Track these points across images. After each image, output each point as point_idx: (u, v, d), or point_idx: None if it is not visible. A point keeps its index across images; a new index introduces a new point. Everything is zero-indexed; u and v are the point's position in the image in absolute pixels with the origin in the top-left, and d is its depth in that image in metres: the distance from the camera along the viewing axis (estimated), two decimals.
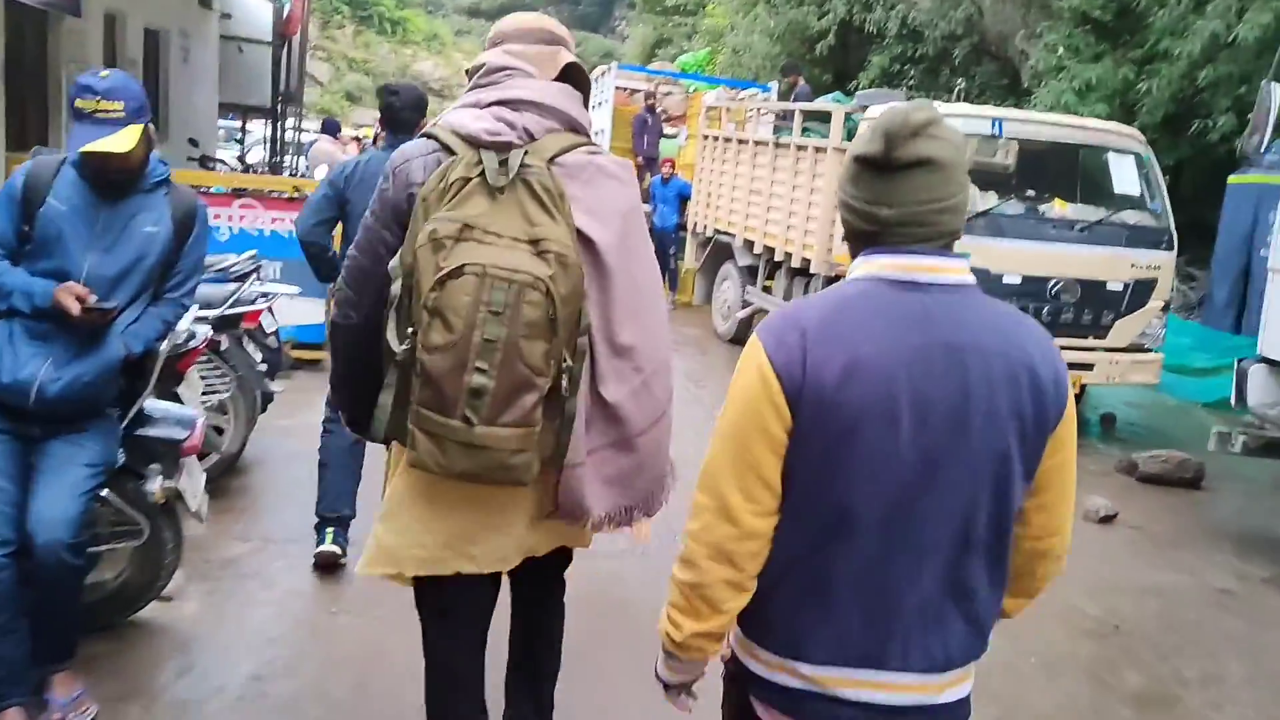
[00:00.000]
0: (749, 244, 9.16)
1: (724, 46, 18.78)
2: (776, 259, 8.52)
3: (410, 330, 1.74)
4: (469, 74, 1.99)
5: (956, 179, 1.37)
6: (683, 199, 10.85)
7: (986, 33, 14.41)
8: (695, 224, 10.39)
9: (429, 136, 1.88)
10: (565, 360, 1.78)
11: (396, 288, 1.77)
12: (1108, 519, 5.27)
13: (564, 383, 1.78)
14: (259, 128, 14.95)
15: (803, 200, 8.04)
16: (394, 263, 1.79)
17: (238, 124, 14.59)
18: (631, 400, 1.91)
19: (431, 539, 1.91)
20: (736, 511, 1.37)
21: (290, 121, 12.95)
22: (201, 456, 3.98)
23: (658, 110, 11.86)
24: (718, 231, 9.83)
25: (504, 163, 1.79)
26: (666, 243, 11.02)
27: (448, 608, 2.03)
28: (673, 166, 11.04)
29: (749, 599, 1.42)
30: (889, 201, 1.36)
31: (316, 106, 37.70)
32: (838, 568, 1.37)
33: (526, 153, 1.81)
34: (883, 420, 1.31)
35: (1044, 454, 1.38)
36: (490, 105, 1.86)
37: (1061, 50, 11.97)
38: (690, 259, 10.60)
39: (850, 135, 7.68)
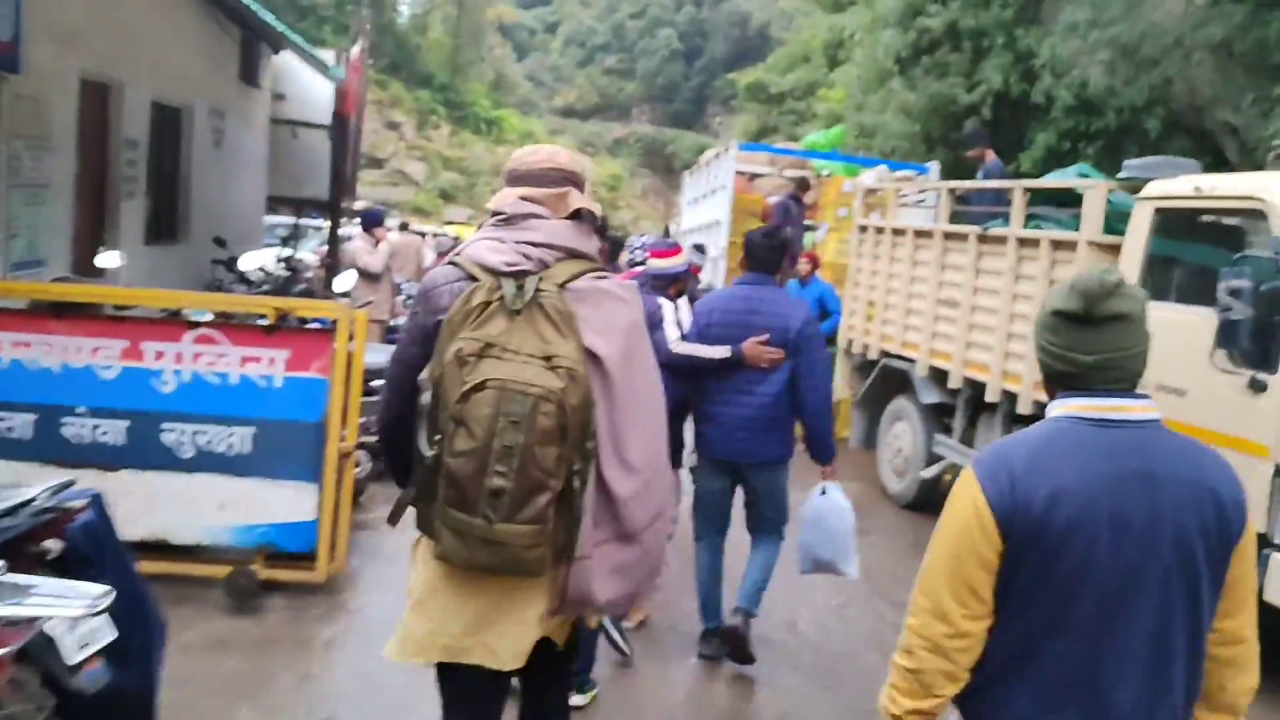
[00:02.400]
0: (938, 375, 6.55)
1: (847, 128, 16.50)
2: (988, 398, 5.89)
3: (438, 437, 1.91)
4: (490, 213, 2.17)
5: (1142, 330, 1.60)
6: (823, 309, 8.31)
7: (1175, 103, 11.74)
8: (850, 341, 7.83)
9: (454, 265, 2.09)
10: (574, 463, 1.93)
11: (427, 398, 1.95)
12: None
13: (575, 484, 1.94)
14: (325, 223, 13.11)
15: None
16: (424, 375, 2.00)
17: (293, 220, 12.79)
18: (634, 499, 2.04)
19: (457, 628, 2.03)
20: (950, 614, 1.58)
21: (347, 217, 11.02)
22: None
23: (804, 199, 9.38)
24: (886, 354, 7.24)
25: (520, 287, 1.98)
26: None
27: (465, 696, 2.15)
28: (815, 264, 8.54)
29: (961, 686, 1.62)
30: (1087, 350, 1.58)
31: (410, 205, 37.33)
32: (1053, 668, 1.55)
33: (541, 279, 2.00)
34: (1085, 539, 1.52)
35: (1229, 566, 1.57)
36: (510, 242, 2.06)
37: None
38: (842, 385, 7.97)
39: (1113, 226, 5.10)
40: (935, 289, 6.54)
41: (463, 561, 1.93)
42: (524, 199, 2.12)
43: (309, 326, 4.29)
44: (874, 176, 8.39)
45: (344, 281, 7.17)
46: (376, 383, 6.15)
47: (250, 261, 6.73)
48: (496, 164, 42.70)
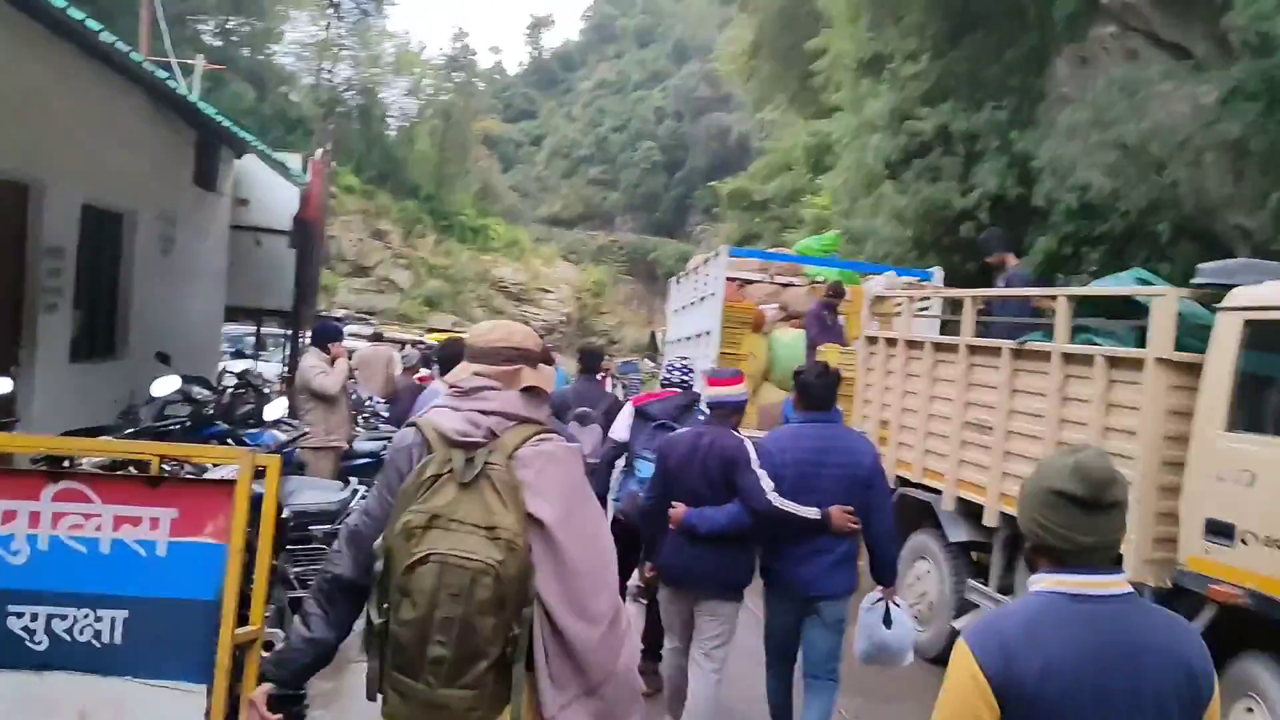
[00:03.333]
0: (968, 508, 5.69)
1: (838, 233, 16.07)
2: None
3: (385, 606, 2.03)
4: (450, 385, 2.32)
5: (1125, 513, 1.75)
6: None
7: (1183, 205, 11.27)
8: None
9: (416, 427, 2.22)
10: (512, 629, 2.00)
11: (379, 567, 2.04)
12: None
13: (510, 650, 2.01)
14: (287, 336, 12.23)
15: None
16: (377, 545, 2.08)
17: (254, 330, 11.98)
18: (594, 651, 2.09)
19: None
20: None
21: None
22: None
23: (838, 307, 8.52)
24: (904, 482, 6.39)
25: (470, 460, 2.09)
26: None
27: None
28: None
29: None
30: (1088, 533, 1.69)
31: (395, 312, 36.93)
32: None
33: (491, 451, 2.12)
34: (1074, 710, 1.61)
35: None
36: (465, 410, 2.20)
37: None
38: None
39: (1189, 342, 4.34)
40: (961, 410, 5.75)
41: None
42: (477, 374, 2.26)
43: (206, 477, 3.40)
44: (883, 283, 7.70)
45: (275, 409, 6.28)
46: (318, 528, 5.25)
47: (162, 388, 5.85)
48: (481, 271, 42.68)
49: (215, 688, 3.14)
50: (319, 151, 9.66)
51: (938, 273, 9.53)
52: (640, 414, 5.05)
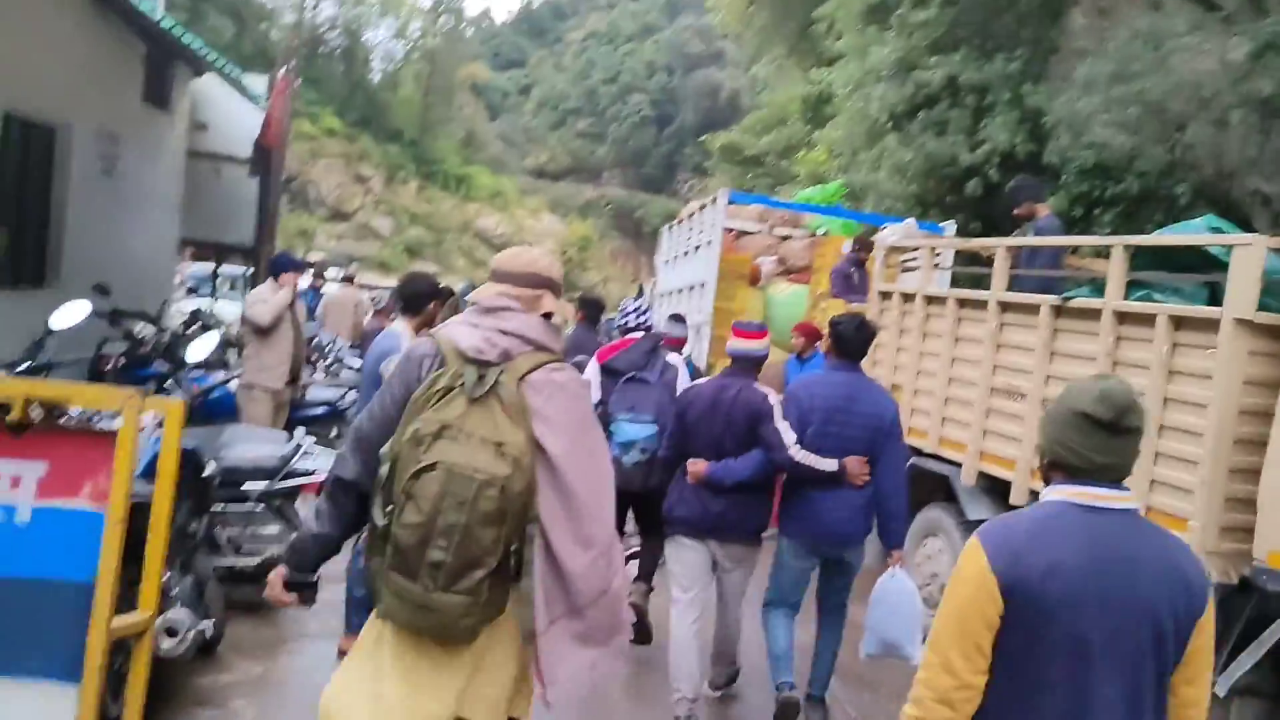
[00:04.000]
0: (992, 484, 5.10)
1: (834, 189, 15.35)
2: None
3: (389, 508, 2.08)
4: (470, 302, 2.36)
5: (1141, 440, 1.82)
6: None
7: (1202, 167, 10.64)
8: None
9: (433, 339, 2.28)
10: (512, 543, 2.09)
11: (384, 471, 2.11)
12: None
13: (512, 562, 2.10)
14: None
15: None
16: (384, 450, 2.13)
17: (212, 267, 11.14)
18: (585, 575, 2.18)
19: (388, 687, 2.15)
20: (958, 669, 1.76)
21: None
22: None
23: (865, 263, 7.70)
24: (916, 453, 5.77)
25: (482, 378, 2.15)
26: None
27: None
28: (815, 337, 7.09)
29: None
30: (1106, 453, 1.78)
31: (376, 259, 36.02)
32: (1043, 717, 1.74)
33: (503, 371, 2.18)
34: (1074, 609, 1.71)
35: (1191, 637, 1.77)
36: (484, 328, 2.25)
37: None
38: None
39: (1267, 302, 3.73)
40: (989, 374, 5.13)
41: (399, 623, 2.12)
42: (501, 294, 2.30)
43: (89, 425, 2.73)
44: (899, 233, 7.02)
45: (200, 348, 5.56)
46: (251, 485, 4.58)
47: (63, 319, 5.09)
48: (465, 220, 41.70)
49: (84, 689, 2.49)
50: (282, 71, 8.81)
51: (950, 227, 8.88)
52: (607, 371, 4.74)
